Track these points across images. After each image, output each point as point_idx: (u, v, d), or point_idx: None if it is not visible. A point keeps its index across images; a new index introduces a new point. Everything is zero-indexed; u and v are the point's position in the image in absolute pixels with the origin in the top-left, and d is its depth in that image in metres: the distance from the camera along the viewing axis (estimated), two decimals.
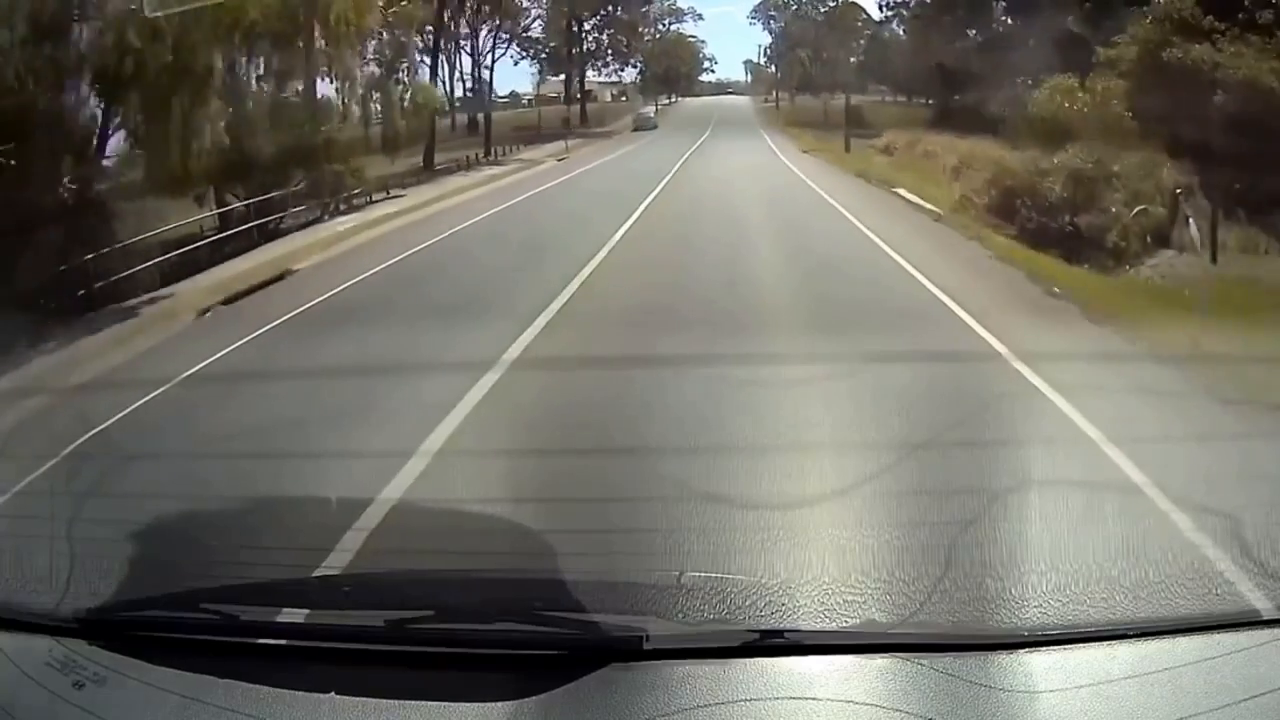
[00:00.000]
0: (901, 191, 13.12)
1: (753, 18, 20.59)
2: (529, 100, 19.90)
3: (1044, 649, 1.76)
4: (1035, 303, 8.60)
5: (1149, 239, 10.12)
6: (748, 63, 21.48)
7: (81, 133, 11.32)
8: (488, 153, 17.56)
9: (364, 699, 1.72)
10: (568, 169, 17.07)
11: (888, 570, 3.13)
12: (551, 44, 19.23)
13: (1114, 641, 1.76)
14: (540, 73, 19.25)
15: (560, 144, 18.45)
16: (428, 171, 16.26)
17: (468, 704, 1.69)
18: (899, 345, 6.75)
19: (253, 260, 11.75)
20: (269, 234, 12.85)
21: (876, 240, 10.71)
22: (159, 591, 2.17)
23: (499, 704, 1.67)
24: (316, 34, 13.31)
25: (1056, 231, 10.87)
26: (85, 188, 11.21)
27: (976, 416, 5.27)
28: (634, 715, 1.62)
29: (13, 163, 9.38)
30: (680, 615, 1.90)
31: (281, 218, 13.23)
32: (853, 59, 18.39)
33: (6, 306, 9.14)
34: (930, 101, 15.89)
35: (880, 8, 17.81)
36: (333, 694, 1.73)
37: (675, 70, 20.90)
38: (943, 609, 2.55)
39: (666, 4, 19.73)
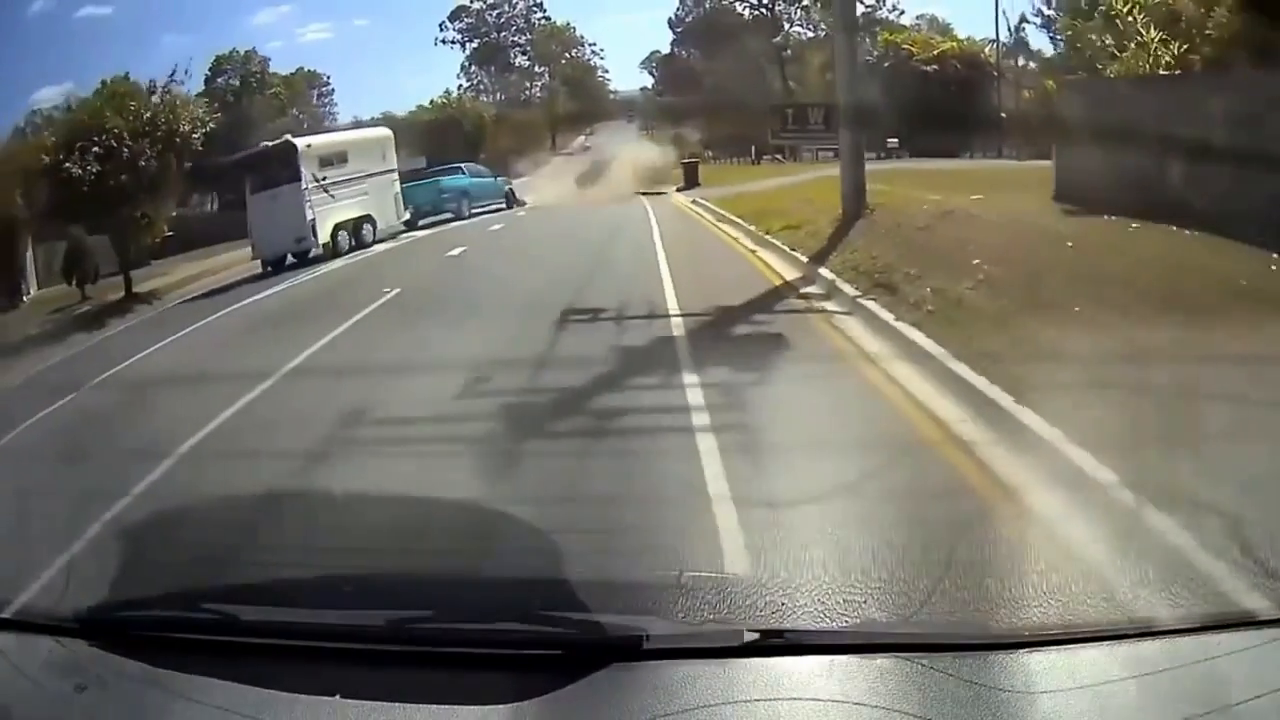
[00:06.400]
0: None
1: (641, 67, 35.80)
2: None
3: (1044, 649, 1.76)
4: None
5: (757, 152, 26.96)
6: (644, 89, 34.26)
7: None
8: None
9: (364, 698, 1.72)
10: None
11: (888, 570, 3.13)
12: None
13: (1114, 641, 1.75)
14: None
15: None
16: None
17: (467, 704, 1.69)
18: None
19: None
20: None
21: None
22: (159, 591, 2.17)
23: (499, 704, 1.67)
24: None
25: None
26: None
27: None
28: (634, 715, 1.62)
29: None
30: (680, 615, 1.90)
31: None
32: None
33: None
34: None
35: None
36: (335, 695, 1.73)
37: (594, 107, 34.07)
38: (943, 609, 2.54)
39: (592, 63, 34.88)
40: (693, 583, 2.07)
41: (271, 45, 32.94)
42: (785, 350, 6.86)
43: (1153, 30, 12.23)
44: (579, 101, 33.86)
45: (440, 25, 34.28)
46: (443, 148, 24.34)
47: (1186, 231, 8.45)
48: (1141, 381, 4.80)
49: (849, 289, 8.03)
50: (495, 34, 34.49)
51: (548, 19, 34.85)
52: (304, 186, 16.68)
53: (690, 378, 6.21)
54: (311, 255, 17.09)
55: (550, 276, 11.31)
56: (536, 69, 34.96)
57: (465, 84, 33.53)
